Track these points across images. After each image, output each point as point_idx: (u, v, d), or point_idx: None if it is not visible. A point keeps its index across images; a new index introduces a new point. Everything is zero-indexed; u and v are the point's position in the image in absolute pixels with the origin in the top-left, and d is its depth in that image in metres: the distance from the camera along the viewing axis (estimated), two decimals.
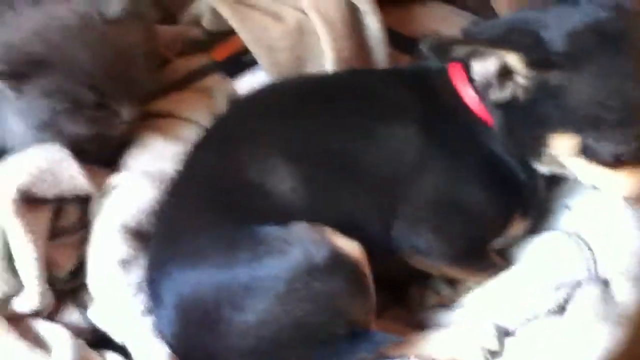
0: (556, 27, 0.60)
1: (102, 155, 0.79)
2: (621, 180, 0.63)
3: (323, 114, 0.69)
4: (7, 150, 0.77)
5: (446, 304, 0.71)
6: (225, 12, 0.82)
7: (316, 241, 0.62)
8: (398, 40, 0.92)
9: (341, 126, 0.68)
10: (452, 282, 0.73)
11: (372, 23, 0.87)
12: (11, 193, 0.70)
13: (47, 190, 0.72)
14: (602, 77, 0.59)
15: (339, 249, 0.62)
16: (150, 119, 0.81)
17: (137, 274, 0.71)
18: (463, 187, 0.66)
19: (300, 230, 0.63)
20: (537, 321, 0.65)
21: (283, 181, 0.65)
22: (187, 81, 0.86)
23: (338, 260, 0.62)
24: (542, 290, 0.66)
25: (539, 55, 0.59)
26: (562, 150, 0.63)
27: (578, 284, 0.65)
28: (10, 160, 0.74)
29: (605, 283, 0.65)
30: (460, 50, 0.60)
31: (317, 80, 0.77)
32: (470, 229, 0.67)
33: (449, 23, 0.98)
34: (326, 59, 0.84)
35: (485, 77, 0.61)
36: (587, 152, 0.61)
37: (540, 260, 0.68)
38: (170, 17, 0.94)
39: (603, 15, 0.60)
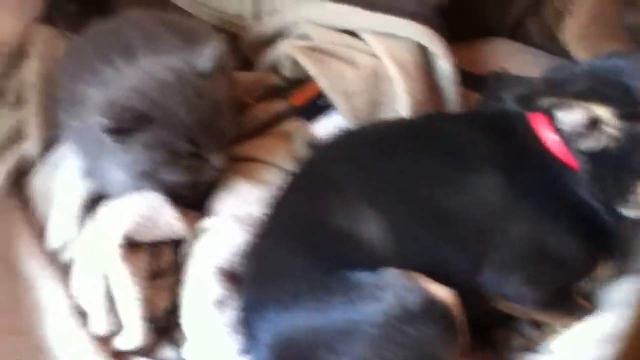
0: None
1: (192, 199, 0.84)
2: None
3: (407, 160, 0.72)
4: (108, 196, 0.82)
5: (533, 348, 0.72)
6: (304, 61, 0.86)
7: (409, 287, 0.64)
8: (466, 78, 0.94)
9: (425, 172, 0.70)
10: (539, 325, 0.74)
11: (444, 65, 0.89)
12: (117, 239, 0.75)
13: (147, 235, 0.77)
14: None
15: (433, 296, 0.64)
16: (234, 164, 0.85)
17: (231, 314, 0.74)
18: (550, 233, 0.67)
19: (392, 276, 0.65)
20: None
21: (370, 228, 0.68)
22: (267, 126, 0.90)
23: (432, 306, 0.64)
24: None
25: (630, 108, 0.60)
26: None
27: None
28: (113, 207, 0.79)
29: None
30: (545, 102, 0.61)
31: (399, 125, 0.80)
32: (558, 275, 0.68)
33: (516, 60, 1.00)
34: (400, 102, 0.87)
35: (572, 127, 0.62)
36: None
37: (628, 303, 0.68)
38: (246, 65, 0.99)
39: None
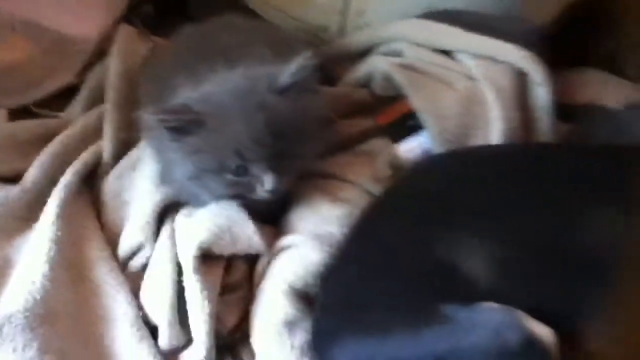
0: None
1: (264, 214, 0.79)
2: None
3: (518, 190, 0.67)
4: (184, 204, 0.79)
5: None
6: (400, 79, 0.82)
7: (508, 324, 0.59)
8: (558, 109, 0.89)
9: (539, 204, 0.65)
10: None
11: (543, 94, 0.85)
12: (192, 250, 0.71)
13: (224, 249, 0.73)
14: None
15: (534, 334, 0.59)
16: (313, 180, 0.82)
17: (302, 336, 0.70)
18: None
19: (490, 311, 0.60)
20: None
21: (473, 259, 0.63)
22: (350, 143, 0.86)
23: (532, 345, 0.58)
24: None
25: None
26: None
27: None
28: (190, 216, 0.76)
29: None
30: None
31: (506, 152, 0.75)
32: None
33: (608, 91, 0.95)
34: (493, 128, 0.82)
35: None
36: None
37: None
38: (325, 79, 0.96)
39: None
